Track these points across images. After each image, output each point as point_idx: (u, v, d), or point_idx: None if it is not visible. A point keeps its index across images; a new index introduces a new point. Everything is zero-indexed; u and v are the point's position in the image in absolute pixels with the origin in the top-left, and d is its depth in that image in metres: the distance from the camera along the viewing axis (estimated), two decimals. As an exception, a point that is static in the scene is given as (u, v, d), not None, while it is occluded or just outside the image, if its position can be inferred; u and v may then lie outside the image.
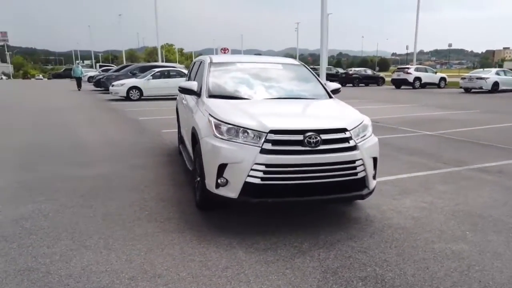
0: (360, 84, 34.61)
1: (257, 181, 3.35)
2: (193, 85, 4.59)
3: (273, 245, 3.31)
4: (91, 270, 2.87)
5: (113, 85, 19.58)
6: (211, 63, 4.94)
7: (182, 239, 3.41)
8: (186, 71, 20.85)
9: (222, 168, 3.44)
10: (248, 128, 3.44)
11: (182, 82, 4.90)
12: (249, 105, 4.11)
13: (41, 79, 64.85)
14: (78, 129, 9.58)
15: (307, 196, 3.48)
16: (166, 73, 19.65)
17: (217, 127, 3.58)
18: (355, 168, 3.53)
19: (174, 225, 3.69)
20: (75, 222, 3.72)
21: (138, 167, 5.77)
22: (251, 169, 3.34)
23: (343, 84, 34.15)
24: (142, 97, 18.69)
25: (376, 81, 35.82)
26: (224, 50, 77.92)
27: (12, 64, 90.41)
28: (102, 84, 23.67)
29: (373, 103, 17.35)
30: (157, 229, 3.61)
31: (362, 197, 3.67)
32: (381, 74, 37.44)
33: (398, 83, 30.59)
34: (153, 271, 2.86)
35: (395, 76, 31.44)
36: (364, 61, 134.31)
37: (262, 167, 3.33)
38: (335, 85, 5.00)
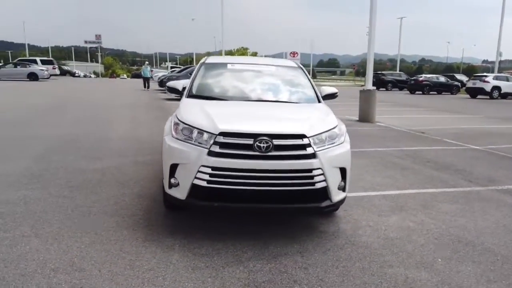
0: (431, 92, 32.46)
1: (204, 183, 3.25)
2: (178, 84, 4.61)
3: (214, 251, 3.18)
4: (25, 257, 2.98)
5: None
6: (203, 63, 4.93)
7: (130, 236, 3.42)
8: None
9: (173, 168, 3.40)
10: (200, 129, 3.36)
11: (172, 81, 4.94)
12: (219, 106, 4.02)
13: (124, 78, 70.46)
14: (114, 125, 10.10)
15: (258, 204, 3.30)
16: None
17: (175, 126, 3.55)
18: (312, 177, 3.27)
19: (133, 222, 3.72)
20: (45, 211, 3.90)
21: (143, 163, 5.93)
22: (198, 171, 3.25)
23: (412, 91, 32.28)
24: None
25: (450, 89, 33.34)
26: (293, 54, 77.54)
27: (103, 64, 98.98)
28: (164, 84, 24.94)
29: (430, 112, 16.15)
30: (115, 224, 3.66)
31: (321, 209, 3.40)
32: (458, 82, 34.70)
33: (474, 92, 28.16)
34: (79, 265, 2.89)
35: (470, 84, 29.01)
36: (448, 68, 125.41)
37: (209, 170, 3.23)
38: (330, 90, 4.70)
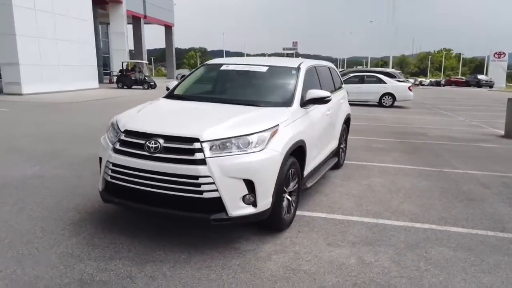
0: None
1: (108, 178, 3.36)
2: (171, 85, 4.77)
3: (86, 254, 3.21)
4: None
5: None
6: (204, 64, 4.99)
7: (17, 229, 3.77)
8: (397, 77, 19.78)
9: (100, 162, 3.60)
10: (115, 127, 3.47)
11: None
12: (164, 106, 4.06)
13: None
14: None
15: (150, 206, 3.22)
16: (361, 78, 19.07)
17: (110, 123, 3.73)
18: (198, 185, 3.02)
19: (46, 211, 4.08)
20: None
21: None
22: (105, 166, 3.37)
23: None
24: (328, 102, 18.93)
25: None
26: (499, 55, 67.88)
27: None
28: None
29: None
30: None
31: (210, 221, 3.08)
32: None
33: None
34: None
35: None
36: None
37: (111, 166, 3.32)
38: (317, 94, 4.14)
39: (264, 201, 3.22)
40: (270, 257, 3.17)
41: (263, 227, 3.63)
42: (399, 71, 25.09)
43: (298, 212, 4.13)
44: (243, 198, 3.13)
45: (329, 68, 5.84)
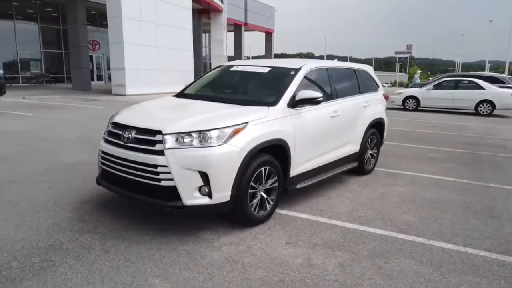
0: None
1: (99, 164, 3.89)
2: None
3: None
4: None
5: (393, 93, 19.70)
6: (219, 66, 5.31)
7: None
8: (506, 82, 17.82)
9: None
10: (110, 120, 3.99)
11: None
12: (163, 103, 4.45)
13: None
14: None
15: (123, 189, 3.64)
16: (455, 83, 17.53)
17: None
18: (157, 173, 3.35)
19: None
20: None
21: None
22: (98, 154, 3.91)
23: None
24: (420, 108, 17.80)
25: None
26: None
27: (409, 74, 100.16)
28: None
29: None
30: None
31: (166, 208, 3.37)
32: None
33: None
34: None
35: None
36: None
37: (101, 153, 3.84)
38: (307, 95, 4.16)
39: (221, 194, 3.40)
40: (221, 248, 3.34)
41: (232, 221, 3.80)
42: (509, 76, 22.19)
43: (283, 211, 4.20)
44: (199, 189, 3.36)
45: (354, 70, 5.68)
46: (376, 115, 5.85)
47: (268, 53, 50.28)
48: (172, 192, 3.34)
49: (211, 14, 32.18)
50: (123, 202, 4.29)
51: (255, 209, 3.76)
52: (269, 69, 4.73)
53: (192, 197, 3.35)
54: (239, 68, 5.00)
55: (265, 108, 3.95)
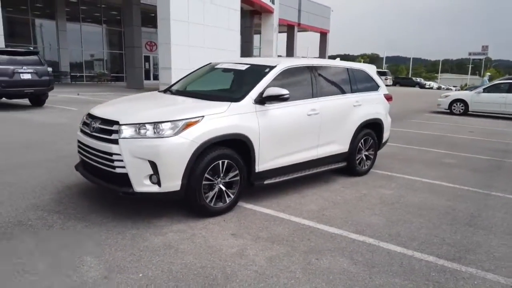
0: None
1: (77, 152, 4.27)
2: None
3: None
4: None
5: (440, 97, 18.77)
6: (207, 64, 5.53)
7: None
8: None
9: None
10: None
11: None
12: (141, 97, 4.80)
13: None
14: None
15: (91, 176, 3.97)
16: (510, 87, 16.33)
17: None
18: (112, 161, 3.63)
19: None
20: None
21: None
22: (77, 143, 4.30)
23: None
24: (468, 112, 16.79)
25: None
26: None
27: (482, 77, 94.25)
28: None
29: None
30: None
31: (119, 193, 3.64)
32: None
33: None
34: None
35: None
36: None
37: (77, 142, 4.21)
38: (274, 91, 4.23)
39: (170, 183, 3.60)
40: (166, 234, 3.54)
41: (191, 211, 3.98)
42: None
43: (249, 205, 4.32)
44: (150, 177, 3.59)
45: (347, 69, 5.60)
46: (371, 115, 5.71)
47: (322, 54, 49.71)
48: (125, 179, 3.60)
49: (262, 15, 32.54)
50: (103, 189, 4.64)
51: (211, 200, 3.91)
52: (247, 66, 4.86)
53: (142, 185, 3.58)
54: (223, 66, 5.18)
55: (227, 103, 4.08)
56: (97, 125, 3.82)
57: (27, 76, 11.28)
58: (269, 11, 32.13)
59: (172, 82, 22.07)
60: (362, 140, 5.65)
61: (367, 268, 3.09)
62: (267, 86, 4.35)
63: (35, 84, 11.47)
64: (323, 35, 48.23)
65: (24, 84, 11.23)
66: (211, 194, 3.90)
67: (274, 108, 4.38)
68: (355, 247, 3.46)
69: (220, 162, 3.90)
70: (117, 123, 3.67)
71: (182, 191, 3.68)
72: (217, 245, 3.36)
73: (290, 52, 42.20)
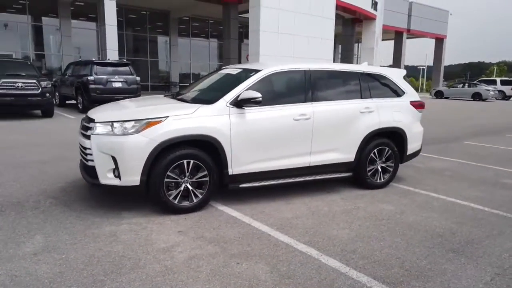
0: None
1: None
2: None
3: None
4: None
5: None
6: (217, 69, 5.73)
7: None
8: None
9: None
10: None
11: None
12: (144, 100, 5.14)
13: None
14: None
15: (81, 169, 4.48)
16: None
17: None
18: (86, 155, 4.07)
19: None
20: None
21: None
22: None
23: None
24: None
25: None
26: None
27: None
28: None
29: None
30: None
31: (89, 184, 4.05)
32: None
33: None
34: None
35: None
36: None
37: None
38: (248, 95, 4.26)
39: (129, 178, 3.89)
40: (121, 225, 3.82)
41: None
42: None
43: (221, 207, 4.40)
44: (113, 171, 3.92)
45: (359, 74, 5.23)
46: (386, 123, 5.23)
47: (437, 61, 45.77)
48: (94, 171, 4.00)
49: (363, 22, 31.52)
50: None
51: (175, 198, 4.08)
52: (239, 70, 4.94)
53: (106, 178, 3.94)
54: (225, 71, 5.32)
55: (196, 106, 4.23)
56: (83, 123, 4.32)
57: (118, 85, 12.92)
58: (371, 18, 30.96)
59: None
60: (375, 150, 5.21)
61: (280, 279, 2.92)
62: (246, 89, 4.37)
63: (124, 92, 13.03)
64: (439, 41, 44.41)
65: (115, 92, 12.86)
66: (175, 192, 4.08)
67: (254, 112, 4.38)
68: (290, 257, 3.27)
69: (185, 161, 4.05)
70: (93, 121, 4.10)
71: (142, 186, 3.93)
72: (155, 239, 3.52)
73: (397, 60, 39.85)
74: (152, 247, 3.36)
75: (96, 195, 4.63)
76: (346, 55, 33.41)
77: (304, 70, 4.85)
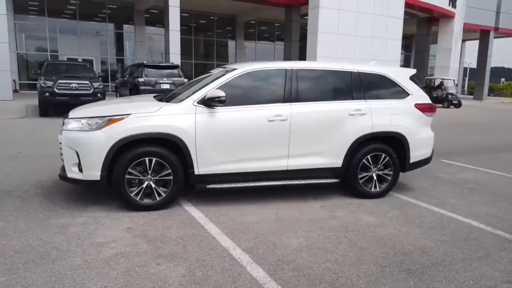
0: None
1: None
2: None
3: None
4: None
5: None
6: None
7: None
8: None
9: None
10: None
11: None
12: (129, 98, 5.27)
13: None
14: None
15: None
16: None
17: None
18: (60, 149, 4.31)
19: None
20: None
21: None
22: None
23: None
24: None
25: None
26: None
27: None
28: None
29: None
30: None
31: (59, 177, 4.26)
32: None
33: None
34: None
35: None
36: None
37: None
38: (213, 94, 4.18)
39: (90, 172, 4.01)
40: (78, 218, 3.94)
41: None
42: None
43: (188, 207, 4.39)
44: (78, 166, 4.08)
45: (351, 73, 4.82)
46: (381, 127, 4.75)
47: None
48: (64, 165, 4.21)
49: (439, 21, 29.26)
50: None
51: (137, 195, 4.12)
52: (219, 70, 4.85)
53: (71, 171, 4.11)
54: (213, 70, 5.27)
55: (161, 104, 4.25)
56: (63, 120, 4.56)
57: (166, 86, 13.50)
58: (448, 16, 28.64)
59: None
60: (368, 157, 4.77)
61: (188, 284, 2.79)
62: (216, 89, 4.27)
63: (172, 93, 13.58)
64: (534, 40, 39.59)
65: (163, 93, 13.45)
66: (136, 189, 4.12)
67: (224, 112, 4.28)
68: (216, 262, 3.12)
69: (147, 159, 4.08)
70: (78, 117, 4.30)
71: (102, 181, 4.04)
72: (97, 234, 3.58)
73: (482, 61, 36.38)
74: (89, 241, 3.42)
75: (83, 189, 4.85)
76: (420, 57, 31.31)
77: (286, 69, 4.61)
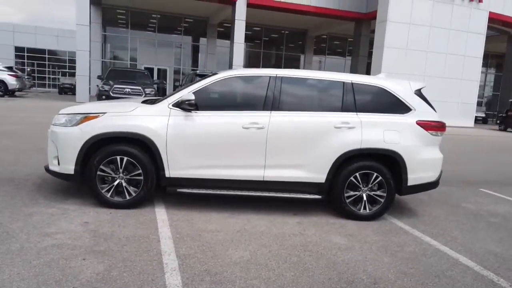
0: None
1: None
2: None
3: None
4: None
5: None
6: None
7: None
8: None
9: None
10: None
11: None
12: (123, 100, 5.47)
13: None
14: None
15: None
16: None
17: None
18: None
19: None
20: None
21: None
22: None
23: None
24: None
25: None
26: None
27: None
28: None
29: None
30: None
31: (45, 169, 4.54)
32: None
33: None
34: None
35: None
36: None
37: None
38: (185, 97, 4.17)
39: (65, 166, 4.20)
40: (49, 208, 4.11)
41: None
42: None
43: (157, 209, 4.36)
44: (57, 158, 4.30)
45: (343, 83, 4.46)
46: (374, 143, 4.31)
47: None
48: (52, 159, 4.47)
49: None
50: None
51: (107, 192, 4.21)
52: (208, 74, 4.81)
53: (52, 164, 4.34)
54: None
55: (136, 105, 4.32)
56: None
57: (216, 95, 13.83)
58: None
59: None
60: (357, 174, 4.36)
61: (95, 281, 2.75)
62: (191, 93, 4.24)
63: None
64: None
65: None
66: (106, 186, 4.21)
67: (199, 116, 4.24)
68: (140, 265, 3.04)
69: (118, 158, 4.17)
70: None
71: (76, 176, 4.20)
72: (54, 225, 3.69)
73: None
74: (40, 231, 3.55)
75: (79, 184, 5.10)
76: (509, 77, 28.35)
77: (270, 77, 4.43)
